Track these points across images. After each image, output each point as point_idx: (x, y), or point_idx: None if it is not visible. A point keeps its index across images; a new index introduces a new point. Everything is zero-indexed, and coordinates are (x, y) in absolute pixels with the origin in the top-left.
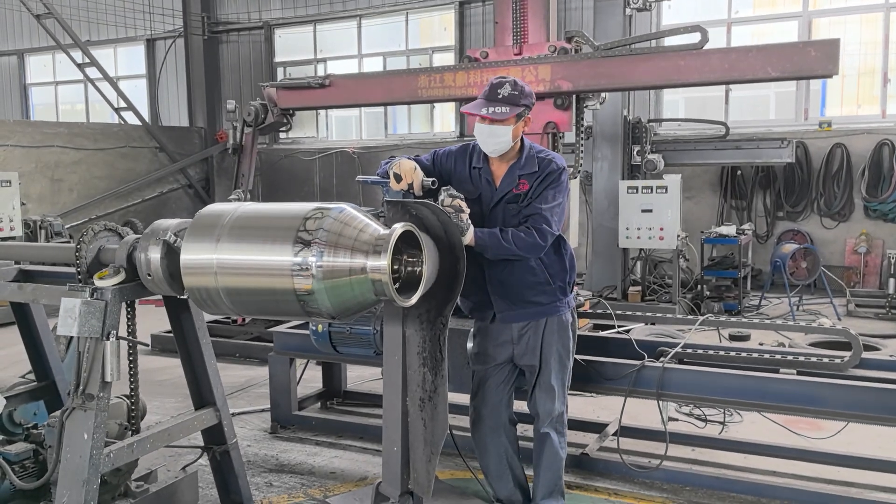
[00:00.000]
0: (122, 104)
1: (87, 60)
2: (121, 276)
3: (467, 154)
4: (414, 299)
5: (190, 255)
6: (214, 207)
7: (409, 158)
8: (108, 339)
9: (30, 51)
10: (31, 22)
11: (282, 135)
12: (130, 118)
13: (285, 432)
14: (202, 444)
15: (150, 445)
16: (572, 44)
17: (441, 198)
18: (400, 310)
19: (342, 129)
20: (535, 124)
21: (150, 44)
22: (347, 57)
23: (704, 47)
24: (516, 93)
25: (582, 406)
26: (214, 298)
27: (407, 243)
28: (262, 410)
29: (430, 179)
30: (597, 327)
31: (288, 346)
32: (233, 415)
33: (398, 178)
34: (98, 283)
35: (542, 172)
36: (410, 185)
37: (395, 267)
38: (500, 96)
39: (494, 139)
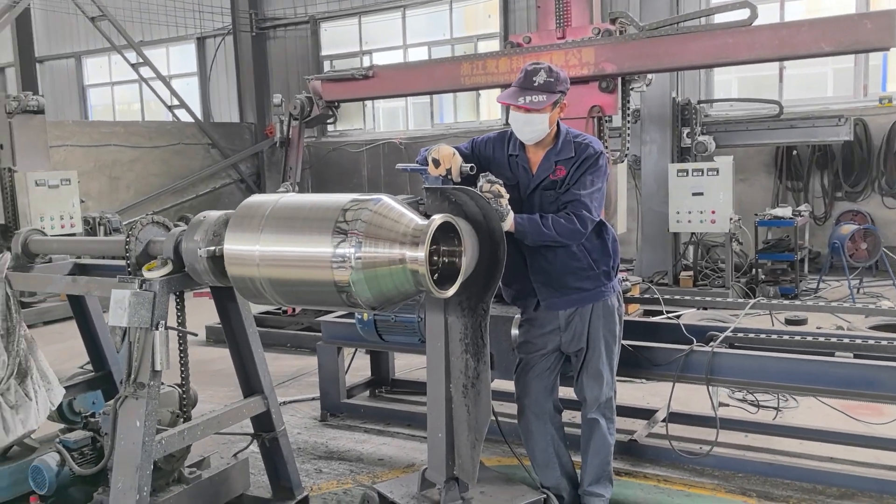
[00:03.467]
0: (175, 102)
1: (141, 60)
2: (168, 268)
3: (505, 141)
4: (452, 290)
5: (233, 245)
6: (256, 199)
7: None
8: (156, 328)
9: (86, 53)
10: (88, 25)
11: (329, 128)
12: (184, 116)
13: (335, 420)
14: (252, 431)
15: (200, 432)
16: (616, 25)
17: (480, 183)
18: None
19: (389, 120)
20: (579, 108)
21: (201, 42)
22: (392, 48)
23: (754, 24)
24: (552, 79)
25: (632, 392)
26: (259, 288)
27: (446, 232)
28: (313, 399)
29: (469, 165)
30: (648, 314)
31: (335, 336)
32: (283, 403)
33: (436, 164)
34: (147, 274)
35: (578, 158)
36: (449, 171)
37: (434, 257)
38: (536, 84)
39: (530, 128)
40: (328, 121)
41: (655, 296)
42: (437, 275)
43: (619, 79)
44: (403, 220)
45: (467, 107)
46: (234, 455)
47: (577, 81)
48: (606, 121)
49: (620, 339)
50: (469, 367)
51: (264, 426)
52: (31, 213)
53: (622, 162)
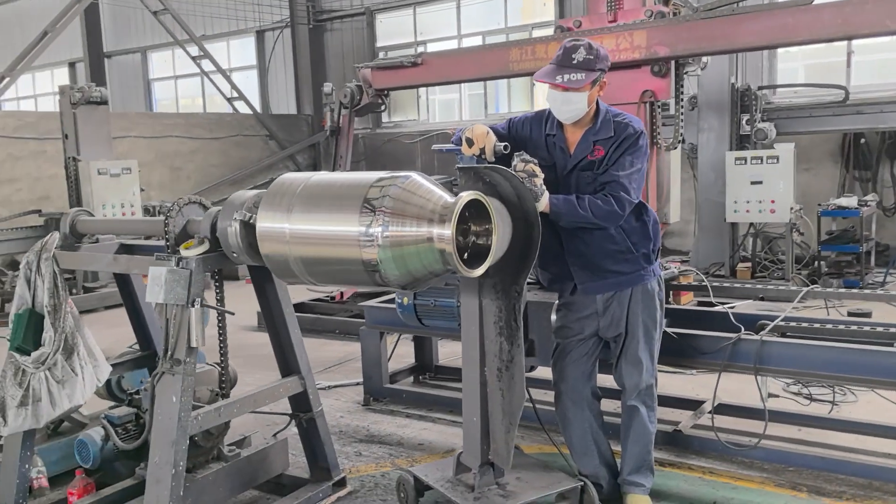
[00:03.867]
0: (235, 95)
1: (201, 54)
2: (204, 247)
3: (543, 120)
4: (481, 269)
5: (265, 223)
6: (288, 176)
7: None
8: (192, 306)
9: (151, 48)
10: (152, 20)
11: (384, 118)
12: (243, 108)
13: (377, 405)
14: (290, 412)
15: (236, 410)
16: (670, 7)
17: (514, 163)
18: (475, 280)
19: (444, 110)
20: (631, 93)
21: (260, 35)
22: (446, 38)
23: (815, 2)
24: (591, 57)
25: (680, 384)
26: (290, 266)
27: (478, 211)
28: (357, 384)
29: (503, 144)
30: (703, 305)
31: (378, 320)
32: (329, 388)
33: (470, 143)
34: (184, 252)
35: (618, 137)
36: (483, 151)
37: (464, 237)
38: (575, 61)
39: (569, 106)
40: (378, 109)
41: (704, 283)
42: (467, 254)
43: (673, 63)
44: (433, 198)
45: (521, 95)
46: (274, 435)
47: (628, 66)
48: (659, 106)
49: (662, 325)
50: (503, 351)
51: (302, 406)
52: (94, 200)
53: (675, 149)
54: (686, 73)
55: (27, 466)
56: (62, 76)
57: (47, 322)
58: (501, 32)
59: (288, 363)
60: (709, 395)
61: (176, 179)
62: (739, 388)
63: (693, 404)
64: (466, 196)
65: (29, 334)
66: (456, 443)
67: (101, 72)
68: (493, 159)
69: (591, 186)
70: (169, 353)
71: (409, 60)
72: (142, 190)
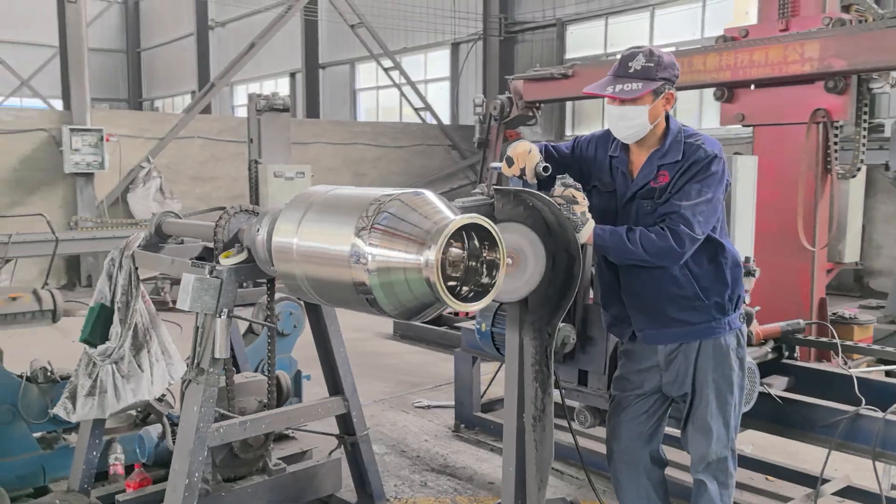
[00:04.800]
0: (422, 105)
1: (393, 65)
2: (242, 256)
3: (609, 140)
4: (478, 305)
5: (277, 236)
6: (313, 188)
7: (528, 141)
8: (220, 316)
9: (359, 59)
10: (362, 33)
11: (567, 131)
12: (431, 118)
13: (467, 432)
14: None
15: (265, 426)
16: (852, 14)
17: (555, 187)
18: (516, 314)
19: None
20: (800, 112)
21: (455, 47)
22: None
23: None
24: (651, 64)
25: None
26: (300, 286)
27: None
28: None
29: (543, 164)
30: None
31: (472, 344)
32: (428, 407)
33: (510, 163)
34: (222, 261)
35: (686, 161)
36: (523, 171)
37: (477, 265)
38: (632, 70)
39: (625, 123)
40: (529, 122)
41: (834, 340)
42: (470, 287)
43: (855, 78)
44: (435, 218)
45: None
46: (330, 454)
47: (797, 80)
48: (837, 127)
49: (742, 387)
50: (537, 398)
51: (347, 429)
52: (270, 202)
53: (853, 177)
54: (871, 89)
55: (94, 453)
56: (284, 85)
57: (116, 317)
58: (696, 43)
59: (334, 382)
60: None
61: (359, 184)
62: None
63: (809, 480)
64: (460, 220)
65: (97, 328)
66: None
67: (316, 82)
68: (535, 181)
69: (651, 218)
70: (195, 361)
71: (559, 72)
72: None
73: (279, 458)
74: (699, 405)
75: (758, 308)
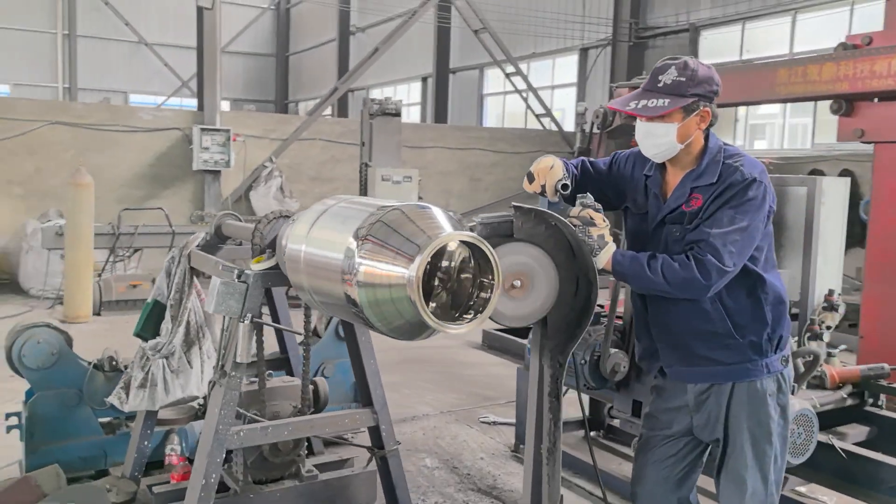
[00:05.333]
0: (542, 111)
1: (514, 70)
2: (272, 262)
3: (647, 157)
4: (466, 327)
5: (291, 244)
6: (337, 196)
7: (554, 156)
8: (244, 321)
9: (488, 65)
10: (487, 39)
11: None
12: (551, 125)
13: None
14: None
15: (287, 433)
16: None
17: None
18: (538, 337)
19: (759, 135)
20: None
21: (584, 53)
22: (777, 57)
23: None
24: (683, 79)
25: None
26: (311, 298)
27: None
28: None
29: (563, 182)
30: None
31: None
32: (493, 423)
33: (531, 179)
34: (252, 266)
35: (721, 184)
36: (545, 188)
37: (475, 285)
38: (661, 84)
39: (652, 141)
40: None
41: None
42: (471, 308)
43: None
44: (430, 231)
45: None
46: (367, 464)
47: None
48: None
49: (784, 437)
50: (550, 430)
51: (377, 442)
52: None
53: None
54: None
55: (146, 443)
56: (416, 90)
57: (168, 314)
58: None
59: (365, 394)
60: None
61: (474, 190)
62: None
63: None
64: (448, 236)
65: (150, 323)
66: None
67: (445, 86)
68: (557, 199)
69: (679, 245)
70: (220, 363)
71: None
72: (420, 198)
73: (314, 465)
74: (732, 454)
75: (843, 347)
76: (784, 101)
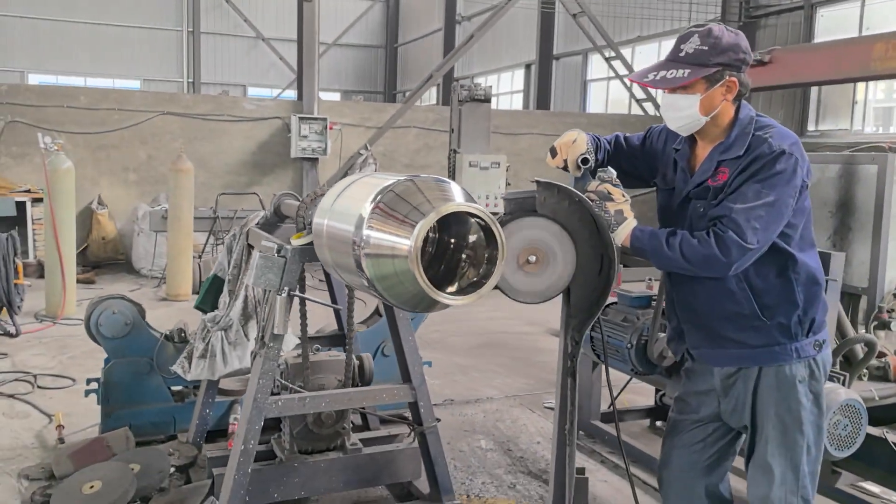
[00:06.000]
0: (643, 96)
1: (613, 55)
2: (310, 238)
3: None
4: (461, 301)
5: (317, 218)
6: (368, 171)
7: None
8: (281, 294)
9: (591, 50)
10: (591, 25)
11: (809, 126)
12: (652, 110)
13: (586, 440)
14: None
15: (325, 404)
16: None
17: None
18: (564, 315)
19: (885, 117)
20: None
21: None
22: None
23: None
24: (705, 48)
25: None
26: (335, 273)
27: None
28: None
29: (583, 156)
30: None
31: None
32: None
33: (553, 153)
34: (292, 242)
35: (747, 157)
36: (566, 163)
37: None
38: (683, 54)
39: (674, 113)
40: None
41: None
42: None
43: None
44: (437, 203)
45: None
46: (413, 441)
47: None
48: None
49: (819, 427)
50: (566, 408)
51: (416, 418)
52: None
53: None
54: None
55: (207, 411)
56: (519, 77)
57: (226, 288)
58: None
59: (405, 370)
60: None
61: (567, 176)
62: None
63: None
64: (446, 207)
65: (209, 296)
66: None
67: (549, 73)
68: (578, 174)
69: (703, 222)
70: (261, 335)
71: (755, 58)
72: (508, 184)
73: (361, 440)
74: (760, 441)
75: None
76: (880, 77)
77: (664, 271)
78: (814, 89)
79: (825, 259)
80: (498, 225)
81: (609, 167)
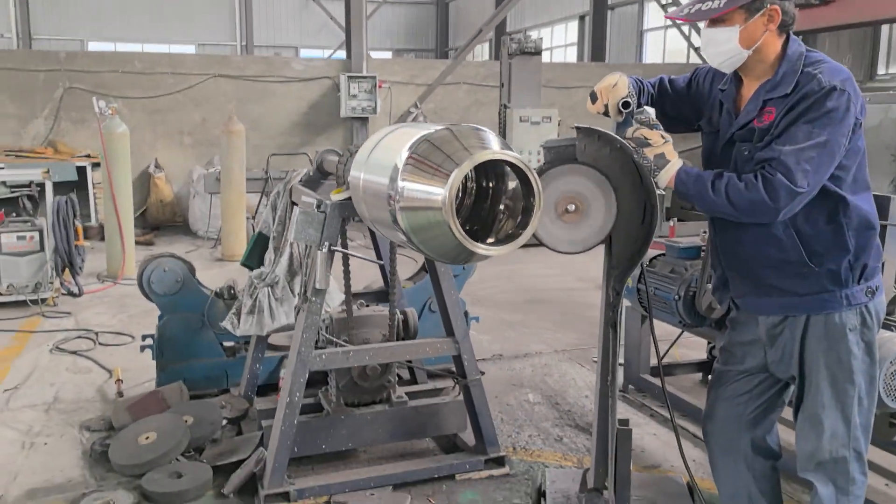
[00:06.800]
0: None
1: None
2: (349, 193)
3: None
4: (499, 250)
5: (353, 171)
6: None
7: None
8: (322, 249)
9: None
10: None
11: (879, 70)
12: None
13: (635, 394)
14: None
15: (368, 357)
16: None
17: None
18: (606, 265)
19: None
20: None
21: None
22: None
23: None
24: None
25: None
26: (372, 226)
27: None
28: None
29: (624, 100)
30: None
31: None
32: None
33: (593, 98)
34: (332, 197)
35: (795, 95)
36: (607, 107)
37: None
38: None
39: (714, 49)
40: None
41: None
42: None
43: None
44: (474, 150)
45: None
46: (457, 393)
47: None
48: None
49: (872, 377)
50: (608, 360)
51: (460, 371)
52: (514, 146)
53: None
54: None
55: (257, 366)
56: (573, 29)
57: (271, 245)
58: None
59: (448, 324)
60: None
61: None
62: None
63: None
64: (490, 154)
65: (255, 253)
66: (669, 458)
67: (603, 24)
68: (620, 119)
69: (750, 166)
70: (303, 290)
71: None
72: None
73: (407, 393)
74: (808, 393)
75: None
76: None
77: (709, 217)
78: (884, 29)
79: (882, 203)
80: (535, 174)
81: (646, 107)
